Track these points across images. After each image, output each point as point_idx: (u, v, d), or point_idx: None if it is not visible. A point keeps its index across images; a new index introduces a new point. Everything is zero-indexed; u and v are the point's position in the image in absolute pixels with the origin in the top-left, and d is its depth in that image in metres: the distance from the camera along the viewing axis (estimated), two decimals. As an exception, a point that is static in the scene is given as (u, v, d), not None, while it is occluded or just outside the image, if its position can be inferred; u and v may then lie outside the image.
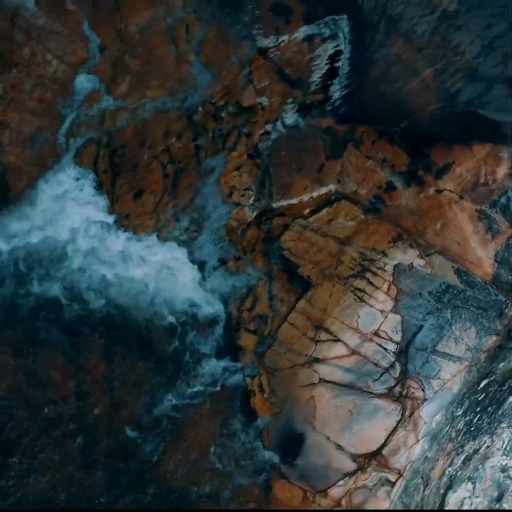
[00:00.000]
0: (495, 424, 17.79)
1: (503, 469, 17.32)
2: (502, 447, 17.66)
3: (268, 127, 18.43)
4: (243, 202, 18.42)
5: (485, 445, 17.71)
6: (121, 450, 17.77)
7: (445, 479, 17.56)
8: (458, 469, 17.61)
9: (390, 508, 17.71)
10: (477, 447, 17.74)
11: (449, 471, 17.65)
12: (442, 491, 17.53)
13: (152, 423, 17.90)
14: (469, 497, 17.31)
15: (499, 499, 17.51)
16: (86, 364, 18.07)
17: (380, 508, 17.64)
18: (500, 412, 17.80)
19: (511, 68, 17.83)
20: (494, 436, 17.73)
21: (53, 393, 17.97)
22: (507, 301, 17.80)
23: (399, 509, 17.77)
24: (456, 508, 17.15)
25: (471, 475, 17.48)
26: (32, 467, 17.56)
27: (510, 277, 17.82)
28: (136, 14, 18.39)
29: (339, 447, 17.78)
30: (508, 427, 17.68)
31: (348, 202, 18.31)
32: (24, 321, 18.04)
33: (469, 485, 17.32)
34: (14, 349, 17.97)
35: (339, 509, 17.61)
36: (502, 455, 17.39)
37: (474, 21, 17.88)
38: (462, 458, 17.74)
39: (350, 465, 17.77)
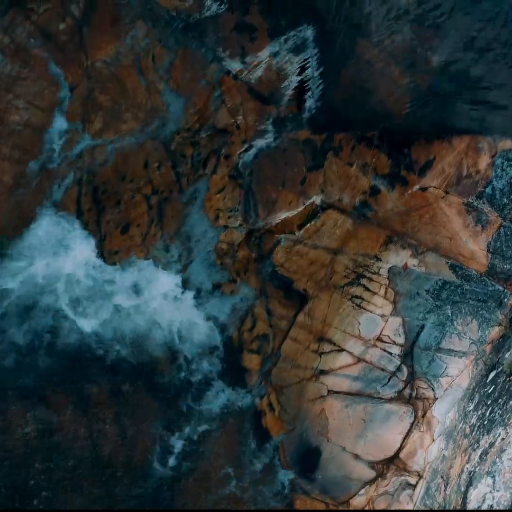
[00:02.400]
0: (508, 415, 17.74)
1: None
2: (516, 437, 17.59)
3: (246, 146, 18.39)
4: (231, 224, 18.38)
5: (500, 437, 17.66)
6: (138, 486, 17.73)
7: (464, 476, 17.51)
8: (476, 464, 17.56)
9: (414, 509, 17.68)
10: (493, 441, 17.68)
11: (467, 468, 17.59)
12: (463, 489, 17.48)
13: (166, 455, 17.88)
14: (490, 492, 17.26)
15: (521, 489, 17.47)
16: (94, 404, 18.03)
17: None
18: (511, 402, 17.74)
19: (482, 62, 17.79)
20: (508, 427, 17.68)
21: (64, 438, 17.93)
22: (505, 290, 17.73)
23: (418, 509, 17.74)
24: (478, 504, 17.08)
25: (489, 469, 17.43)
26: (52, 514, 17.53)
27: (505, 266, 17.75)
28: (101, 49, 18.33)
29: (356, 456, 17.73)
30: (521, 417, 17.64)
31: (334, 211, 18.26)
32: (28, 367, 18.00)
33: (489, 480, 17.27)
34: (22, 396, 17.93)
35: (351, 509, 17.54)
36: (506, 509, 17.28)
37: (437, 18, 17.85)
38: (479, 453, 17.68)
39: (369, 473, 17.72)
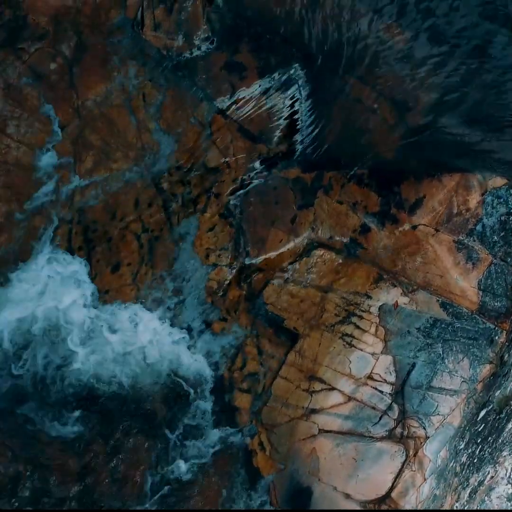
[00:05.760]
0: (497, 453, 17.65)
1: (510, 498, 17.16)
2: (505, 475, 17.50)
3: (236, 184, 18.44)
4: (221, 262, 18.40)
5: (489, 475, 17.57)
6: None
7: (455, 516, 17.43)
8: (465, 503, 17.45)
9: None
10: (482, 479, 17.60)
11: (457, 507, 17.50)
12: (453, 530, 17.40)
13: (157, 495, 17.80)
14: (481, 532, 17.16)
15: (510, 529, 17.37)
16: (85, 443, 17.98)
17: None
18: (500, 440, 17.66)
19: (473, 100, 17.87)
20: (497, 465, 17.59)
21: (55, 477, 17.87)
22: (496, 328, 17.72)
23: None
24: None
25: (478, 507, 17.32)
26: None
27: (496, 304, 17.75)
28: (92, 88, 18.42)
29: (347, 495, 17.66)
30: (509, 455, 17.52)
31: (325, 249, 18.28)
32: (17, 406, 17.98)
33: (479, 520, 17.17)
34: (11, 436, 17.90)
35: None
36: (506, 484, 17.24)
37: (429, 58, 17.94)
38: (468, 491, 17.59)
39: (361, 513, 17.67)
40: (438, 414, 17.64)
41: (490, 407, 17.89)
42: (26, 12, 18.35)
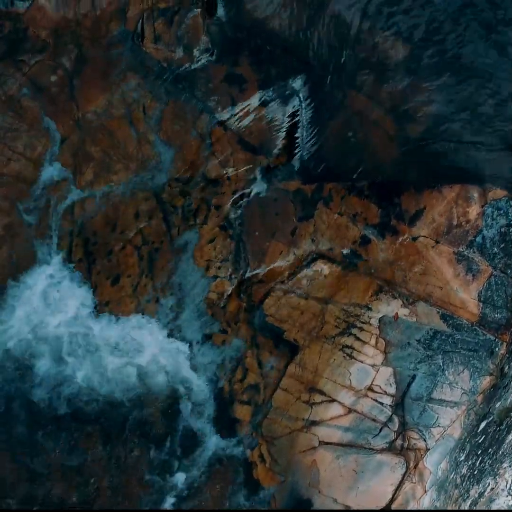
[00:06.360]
0: (497, 465, 17.64)
1: (510, 510, 17.15)
2: (506, 487, 17.47)
3: (237, 196, 18.46)
4: (221, 274, 18.41)
5: (489, 487, 17.55)
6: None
7: (455, 529, 17.41)
8: (467, 516, 17.46)
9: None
10: (482, 490, 17.58)
11: (459, 519, 17.51)
12: (453, 542, 17.39)
13: (157, 507, 17.80)
14: (481, 545, 17.15)
15: (511, 540, 17.36)
16: (84, 453, 17.99)
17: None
18: (500, 452, 17.65)
19: (474, 112, 17.89)
20: (497, 477, 17.57)
21: (54, 487, 17.90)
22: (496, 340, 17.72)
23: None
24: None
25: (480, 521, 17.32)
26: None
27: (496, 315, 17.75)
28: (92, 101, 18.45)
29: (348, 507, 17.66)
30: (510, 467, 17.51)
31: (325, 260, 18.28)
32: (17, 418, 17.99)
33: (479, 533, 17.16)
34: (11, 448, 17.91)
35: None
36: (507, 496, 17.21)
37: (429, 70, 17.97)
38: (469, 503, 17.58)
39: (361, 525, 17.67)
40: (438, 425, 17.65)
41: (490, 419, 17.88)
42: (26, 25, 18.40)
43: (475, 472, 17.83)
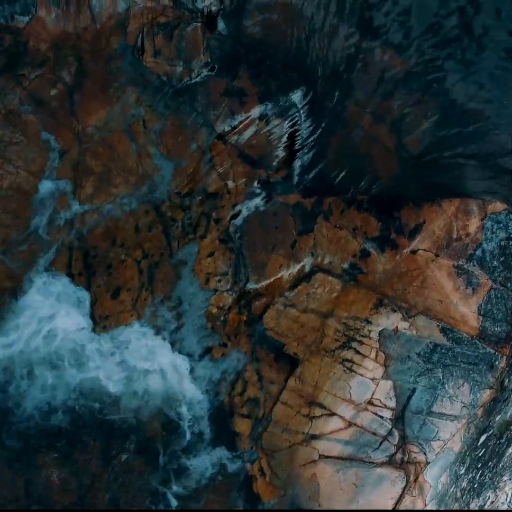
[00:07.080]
0: (497, 478, 17.62)
1: (510, 510, 17.14)
2: (506, 500, 17.46)
3: (237, 209, 18.48)
4: (221, 287, 18.42)
5: (490, 500, 17.54)
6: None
7: (455, 543, 17.40)
8: (467, 530, 17.44)
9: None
10: (482, 504, 17.55)
11: (459, 532, 17.48)
12: (454, 556, 17.36)
13: (158, 520, 17.84)
14: (482, 559, 17.13)
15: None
16: (83, 467, 17.98)
17: None
18: (500, 465, 17.64)
19: (472, 125, 17.90)
20: (497, 490, 17.56)
21: (52, 500, 17.89)
22: (496, 353, 17.72)
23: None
24: None
25: (481, 534, 17.30)
26: None
27: (496, 329, 17.76)
28: (92, 115, 18.48)
29: (348, 521, 17.67)
30: (510, 480, 17.50)
31: (324, 274, 18.29)
32: (18, 429, 18.00)
33: (479, 547, 17.14)
34: (10, 459, 17.91)
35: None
36: (507, 509, 17.20)
37: (429, 84, 17.99)
38: (470, 517, 17.58)
39: (361, 539, 17.65)
40: (438, 439, 17.63)
41: (490, 432, 17.87)
42: (26, 39, 18.43)
43: (475, 486, 17.81)
